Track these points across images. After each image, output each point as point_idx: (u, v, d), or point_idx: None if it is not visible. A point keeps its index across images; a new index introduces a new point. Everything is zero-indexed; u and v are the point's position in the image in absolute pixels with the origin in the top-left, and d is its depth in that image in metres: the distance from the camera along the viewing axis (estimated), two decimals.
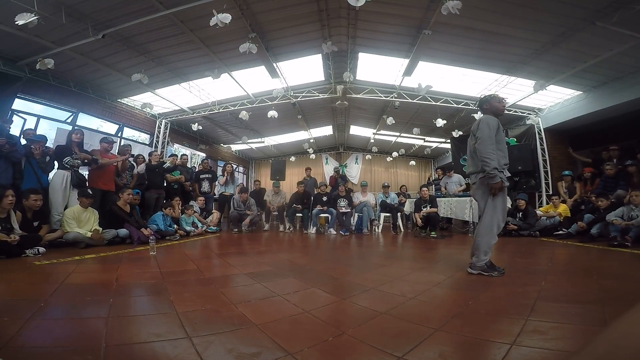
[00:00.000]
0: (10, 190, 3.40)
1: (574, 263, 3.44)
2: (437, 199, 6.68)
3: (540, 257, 3.62)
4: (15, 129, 5.54)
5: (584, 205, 5.91)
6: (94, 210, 4.32)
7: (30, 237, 3.39)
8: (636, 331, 0.44)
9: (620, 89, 6.15)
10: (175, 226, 5.37)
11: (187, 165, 7.69)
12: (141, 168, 5.98)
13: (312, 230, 6.75)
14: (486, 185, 2.54)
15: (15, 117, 5.82)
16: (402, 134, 11.93)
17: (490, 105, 2.76)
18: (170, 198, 5.92)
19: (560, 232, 5.46)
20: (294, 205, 7.12)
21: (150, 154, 6.33)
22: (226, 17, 4.22)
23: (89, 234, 3.99)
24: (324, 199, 7.07)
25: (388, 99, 7.97)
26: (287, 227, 7.12)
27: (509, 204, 6.28)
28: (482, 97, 2.86)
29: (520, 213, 5.95)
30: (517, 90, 7.34)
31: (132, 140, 8.64)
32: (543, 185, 8.01)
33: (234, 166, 11.14)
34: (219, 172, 8.41)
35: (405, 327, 1.53)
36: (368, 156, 14.41)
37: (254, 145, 13.63)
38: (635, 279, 2.55)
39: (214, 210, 7.08)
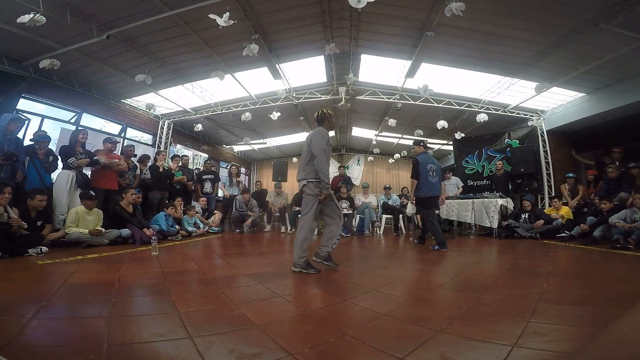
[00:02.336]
0: (8, 187, 3.40)
1: (576, 265, 3.42)
2: None
3: (542, 259, 3.60)
4: None
5: (586, 207, 5.88)
6: (99, 212, 4.34)
7: (33, 237, 3.41)
8: (634, 333, 0.44)
9: (624, 91, 6.12)
10: (177, 226, 5.38)
11: (189, 167, 7.73)
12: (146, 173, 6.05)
13: None
14: (316, 192, 2.81)
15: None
16: (404, 136, 11.90)
17: (330, 121, 3.06)
18: (173, 198, 5.94)
19: (563, 234, 5.42)
20: (294, 207, 7.12)
21: (157, 154, 6.36)
22: (226, 17, 4.23)
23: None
24: None
25: (390, 100, 7.97)
26: (289, 228, 7.12)
27: (511, 205, 6.30)
28: (321, 112, 3.08)
29: (527, 214, 5.93)
30: (519, 92, 7.32)
31: (135, 141, 8.67)
32: (545, 187, 7.97)
33: (239, 168, 11.17)
34: (222, 173, 8.43)
35: (406, 328, 1.52)
36: (370, 158, 14.38)
37: (256, 147, 13.63)
38: (638, 281, 2.54)
39: (215, 211, 7.11)
